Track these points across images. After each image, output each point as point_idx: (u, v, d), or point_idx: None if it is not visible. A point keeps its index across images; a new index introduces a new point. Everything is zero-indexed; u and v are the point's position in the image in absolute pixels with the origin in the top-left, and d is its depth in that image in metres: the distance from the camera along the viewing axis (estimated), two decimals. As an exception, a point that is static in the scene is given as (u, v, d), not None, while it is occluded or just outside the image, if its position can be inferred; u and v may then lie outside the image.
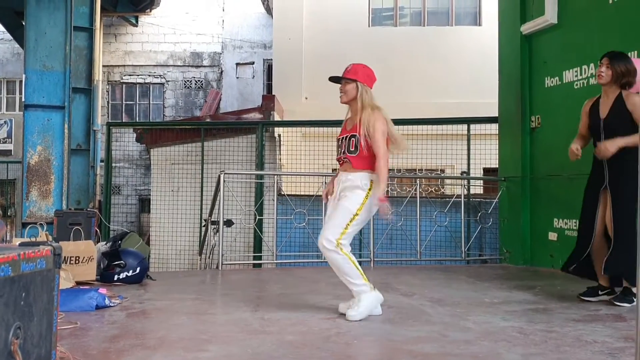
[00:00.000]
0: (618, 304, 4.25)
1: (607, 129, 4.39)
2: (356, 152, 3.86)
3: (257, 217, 7.76)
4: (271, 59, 15.25)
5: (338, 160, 4.03)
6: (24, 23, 8.88)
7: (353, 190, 3.84)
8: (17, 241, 5.62)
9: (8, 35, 15.60)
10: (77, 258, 5.15)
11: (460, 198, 7.77)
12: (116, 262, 5.29)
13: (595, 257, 4.48)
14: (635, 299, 4.23)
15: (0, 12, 13.91)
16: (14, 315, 1.89)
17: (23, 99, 8.36)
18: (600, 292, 4.53)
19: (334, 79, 4.03)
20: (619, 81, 4.36)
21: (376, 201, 3.80)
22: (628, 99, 4.32)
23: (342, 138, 3.97)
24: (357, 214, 3.79)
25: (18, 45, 14.64)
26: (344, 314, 3.82)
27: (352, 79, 3.93)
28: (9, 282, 1.85)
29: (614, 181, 4.34)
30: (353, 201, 3.80)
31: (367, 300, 3.79)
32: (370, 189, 3.82)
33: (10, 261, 1.86)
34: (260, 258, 8.54)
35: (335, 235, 3.75)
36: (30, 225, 7.78)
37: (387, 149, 3.89)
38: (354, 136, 3.87)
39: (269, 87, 16.54)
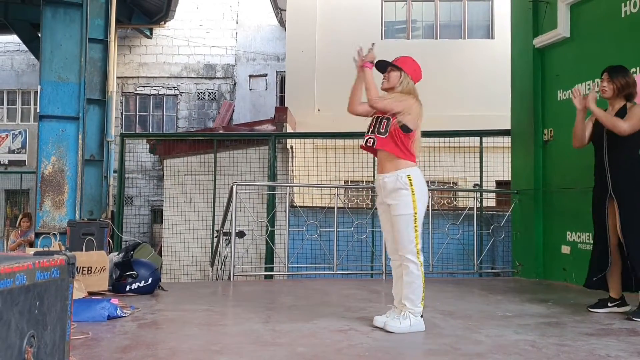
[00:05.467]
0: (635, 319, 4.22)
1: (610, 138, 4.47)
2: (385, 133, 3.78)
3: (269, 229, 7.76)
4: (284, 71, 15.33)
5: (364, 138, 3.91)
6: (39, 35, 8.99)
7: (397, 193, 3.76)
8: (30, 251, 5.66)
9: (24, 47, 15.82)
10: (90, 268, 5.17)
11: (473, 211, 7.74)
12: (128, 273, 5.31)
13: (610, 269, 4.49)
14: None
15: (17, 24, 14.13)
16: (28, 324, 1.90)
17: (38, 110, 8.45)
18: (609, 304, 4.53)
19: (380, 64, 3.96)
20: (621, 94, 4.50)
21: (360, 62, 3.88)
22: (631, 109, 4.42)
23: (376, 117, 3.89)
24: (416, 213, 3.73)
25: (33, 57, 14.83)
26: (378, 327, 3.80)
27: (398, 67, 3.90)
28: (24, 290, 1.87)
29: (618, 189, 4.38)
30: (405, 206, 3.74)
31: (414, 320, 3.74)
32: (412, 185, 3.74)
33: (26, 270, 1.87)
34: (271, 269, 8.55)
35: (412, 243, 3.71)
36: (43, 235, 7.83)
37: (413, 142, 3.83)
38: (386, 118, 3.80)
39: (281, 99, 16.63)
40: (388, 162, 3.83)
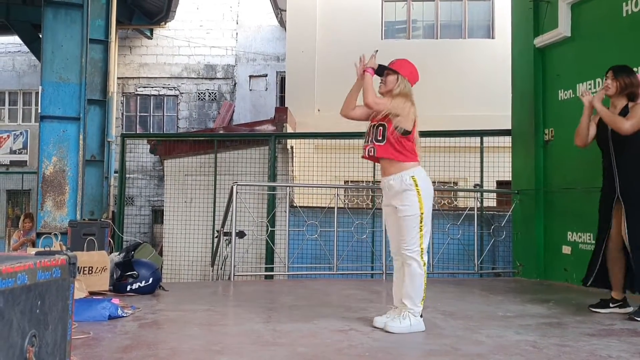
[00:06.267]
0: (637, 319, 4.21)
1: (616, 140, 4.49)
2: (383, 141, 3.80)
3: (269, 229, 7.76)
4: (284, 72, 15.33)
5: (364, 149, 3.95)
6: (40, 36, 9.00)
7: (403, 195, 3.78)
8: (32, 251, 5.66)
9: (25, 48, 15.85)
10: (91, 268, 5.17)
11: (473, 211, 7.73)
12: (129, 273, 5.31)
13: (611, 268, 4.49)
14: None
15: (18, 25, 14.15)
16: (29, 323, 1.90)
17: (39, 111, 8.46)
18: (611, 305, 4.53)
19: (378, 69, 3.99)
20: (624, 92, 4.53)
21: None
22: (633, 108, 4.44)
23: (372, 126, 3.92)
24: (422, 213, 3.77)
25: (35, 58, 14.85)
26: (377, 328, 3.80)
27: (395, 71, 3.94)
28: (26, 290, 1.87)
29: (625, 192, 4.39)
30: (411, 207, 3.77)
31: (414, 320, 3.75)
32: (417, 186, 3.76)
33: (27, 269, 1.87)
34: (272, 269, 8.56)
35: (416, 243, 3.76)
36: (44, 236, 7.84)
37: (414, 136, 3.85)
38: (382, 125, 3.83)
39: (281, 99, 16.63)
40: (391, 166, 3.85)
